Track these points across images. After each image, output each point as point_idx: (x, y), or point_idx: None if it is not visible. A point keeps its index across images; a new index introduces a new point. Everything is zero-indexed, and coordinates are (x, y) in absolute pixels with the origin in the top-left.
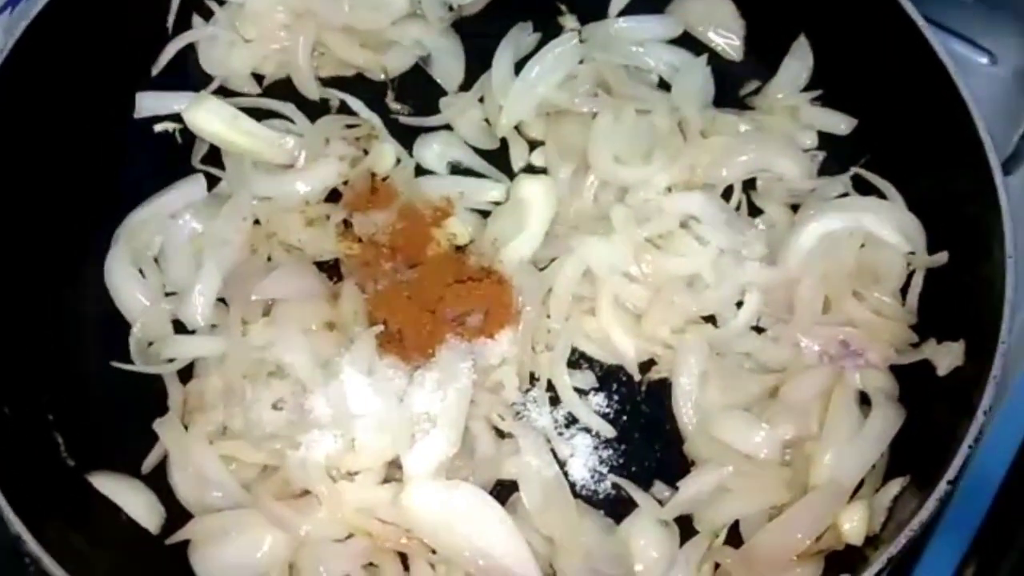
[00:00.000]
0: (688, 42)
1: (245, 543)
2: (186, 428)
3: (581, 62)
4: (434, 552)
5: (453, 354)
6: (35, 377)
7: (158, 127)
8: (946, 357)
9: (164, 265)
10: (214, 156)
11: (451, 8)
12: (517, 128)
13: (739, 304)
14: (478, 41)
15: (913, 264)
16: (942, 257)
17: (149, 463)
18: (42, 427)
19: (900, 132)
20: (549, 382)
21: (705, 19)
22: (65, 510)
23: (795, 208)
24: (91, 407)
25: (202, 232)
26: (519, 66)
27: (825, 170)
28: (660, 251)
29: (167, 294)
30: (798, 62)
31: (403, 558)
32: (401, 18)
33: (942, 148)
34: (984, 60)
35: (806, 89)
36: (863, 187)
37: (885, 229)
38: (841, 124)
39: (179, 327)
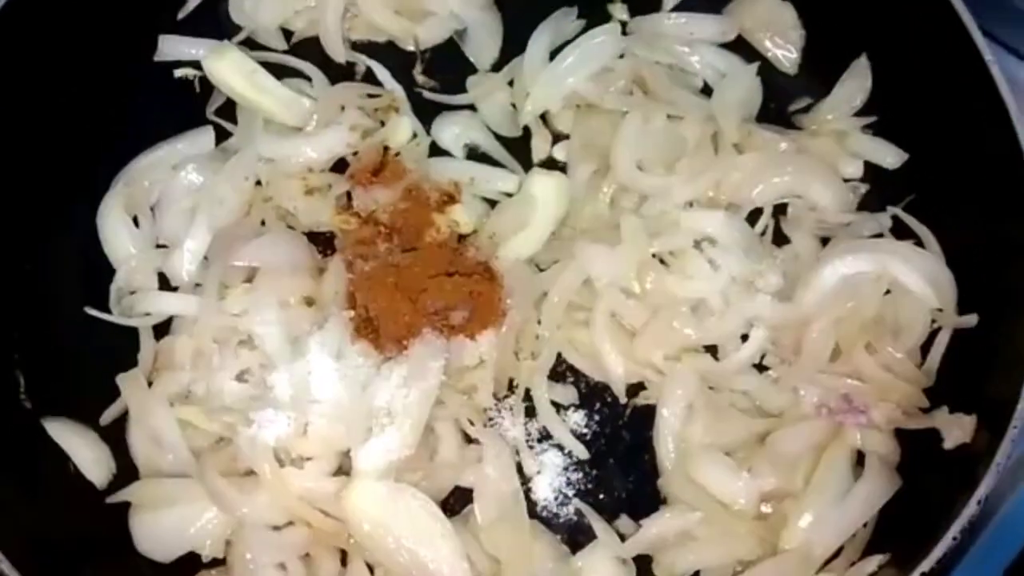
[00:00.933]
0: (742, 48)
1: (183, 514)
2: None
3: (622, 56)
4: None
5: (426, 350)
6: (8, 312)
7: (178, 72)
8: (955, 430)
9: (159, 215)
10: (229, 109)
11: None
12: (543, 118)
13: (745, 337)
14: (519, 20)
15: (939, 321)
16: (971, 319)
17: (108, 415)
18: (5, 364)
19: (950, 176)
20: (528, 392)
21: (763, 25)
22: (6, 455)
23: (825, 241)
24: (61, 352)
25: (201, 186)
26: (557, 53)
27: (865, 204)
28: (666, 269)
29: (158, 246)
30: (855, 83)
31: (343, 553)
32: None
33: (990, 200)
34: None
35: (859, 114)
36: (904, 229)
37: (914, 279)
38: (890, 157)
39: (166, 281)
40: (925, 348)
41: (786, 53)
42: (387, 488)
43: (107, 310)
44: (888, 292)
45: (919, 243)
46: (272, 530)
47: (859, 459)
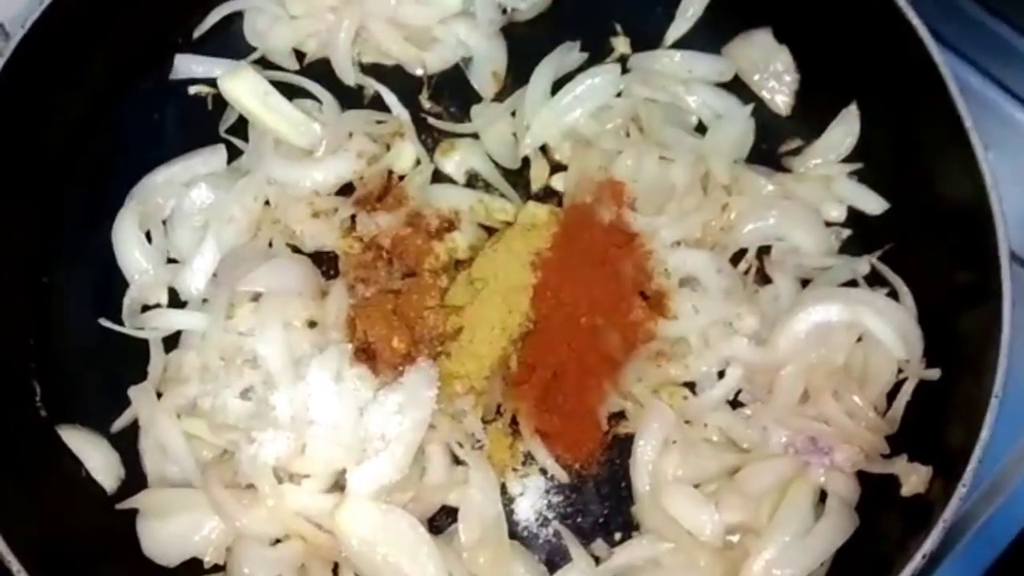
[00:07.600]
0: (736, 89)
1: (188, 522)
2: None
3: (619, 94)
4: None
5: (420, 378)
6: (26, 323)
7: (192, 89)
8: (912, 478)
9: (171, 231)
10: (241, 127)
11: (504, 11)
12: (543, 149)
13: (721, 374)
14: (525, 50)
15: (905, 372)
16: (934, 373)
17: (118, 424)
18: (22, 374)
19: (924, 228)
20: (514, 416)
21: (759, 67)
22: (21, 459)
23: (806, 283)
24: (76, 361)
25: (212, 204)
26: (560, 84)
27: (847, 249)
28: (649, 307)
29: (169, 260)
30: (844, 130)
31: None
32: (450, 16)
33: (957, 254)
34: None
35: (846, 160)
36: (880, 275)
37: (884, 330)
38: (873, 204)
39: (176, 295)
40: (892, 395)
41: (780, 95)
42: (377, 509)
43: (120, 322)
44: (860, 339)
45: (892, 292)
46: (269, 545)
47: (821, 496)
